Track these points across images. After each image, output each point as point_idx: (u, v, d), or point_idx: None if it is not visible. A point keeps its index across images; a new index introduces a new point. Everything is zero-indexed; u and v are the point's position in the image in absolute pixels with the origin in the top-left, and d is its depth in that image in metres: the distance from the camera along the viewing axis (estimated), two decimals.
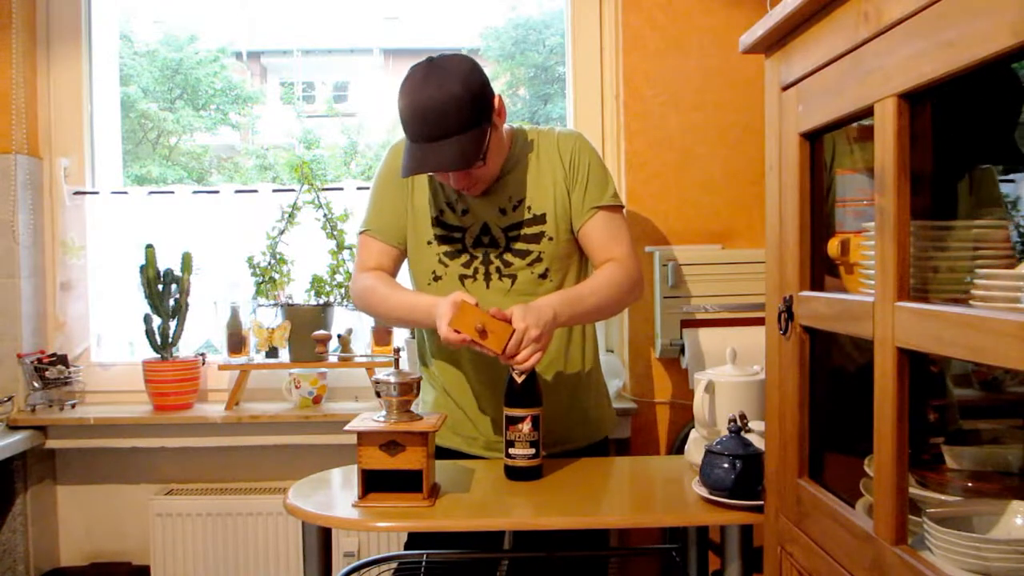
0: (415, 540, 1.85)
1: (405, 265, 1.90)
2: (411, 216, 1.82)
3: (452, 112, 1.60)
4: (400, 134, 1.72)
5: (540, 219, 1.79)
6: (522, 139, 1.83)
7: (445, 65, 1.64)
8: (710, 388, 1.56)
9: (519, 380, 1.61)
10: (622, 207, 1.85)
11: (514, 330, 1.55)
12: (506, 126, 1.80)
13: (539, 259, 1.78)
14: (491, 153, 1.68)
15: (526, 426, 1.61)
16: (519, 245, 1.78)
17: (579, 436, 1.85)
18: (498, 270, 1.78)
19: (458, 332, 1.55)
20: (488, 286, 1.78)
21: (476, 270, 1.78)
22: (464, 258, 1.78)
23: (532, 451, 1.62)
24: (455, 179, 1.69)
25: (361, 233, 1.87)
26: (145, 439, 2.50)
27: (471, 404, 1.82)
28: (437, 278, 1.80)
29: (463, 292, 1.62)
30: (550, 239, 1.79)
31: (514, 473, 1.63)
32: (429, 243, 1.80)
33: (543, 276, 1.79)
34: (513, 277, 1.78)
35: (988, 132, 1.21)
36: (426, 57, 1.67)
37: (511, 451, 1.62)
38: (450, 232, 1.79)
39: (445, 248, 1.79)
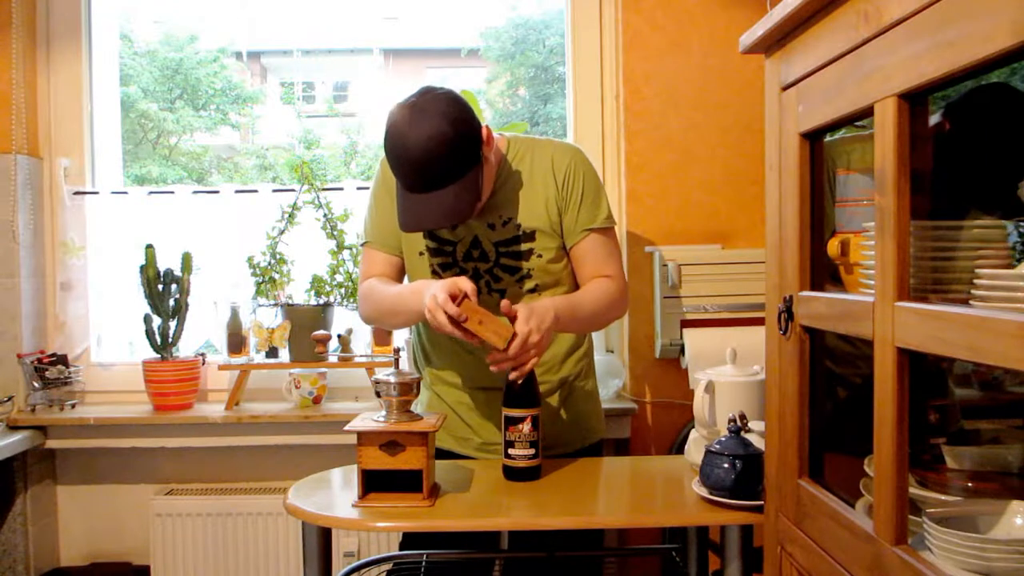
0: (410, 540, 1.85)
1: None
2: None
3: (444, 160, 1.55)
4: None
5: (530, 236, 1.76)
6: (515, 152, 1.79)
7: (427, 108, 1.56)
8: (710, 388, 1.56)
9: (518, 381, 1.61)
10: (614, 226, 1.83)
11: (515, 333, 1.54)
12: (497, 135, 1.78)
13: (528, 275, 1.77)
14: (484, 186, 1.66)
15: (526, 426, 1.60)
16: (508, 261, 1.77)
17: (571, 440, 1.84)
18: (488, 284, 1.77)
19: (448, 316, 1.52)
20: (478, 300, 1.77)
21: None
22: (455, 271, 1.78)
23: (532, 451, 1.62)
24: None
25: (363, 245, 1.87)
26: (145, 439, 2.50)
27: (465, 405, 1.82)
28: None
29: (463, 279, 1.57)
30: (539, 256, 1.77)
31: (513, 473, 1.63)
32: (421, 254, 1.80)
33: (533, 291, 1.78)
34: (503, 292, 1.77)
35: (989, 179, 1.20)
36: (407, 98, 1.60)
37: (511, 451, 1.62)
38: (441, 245, 1.78)
39: (439, 260, 1.78)
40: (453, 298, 1.52)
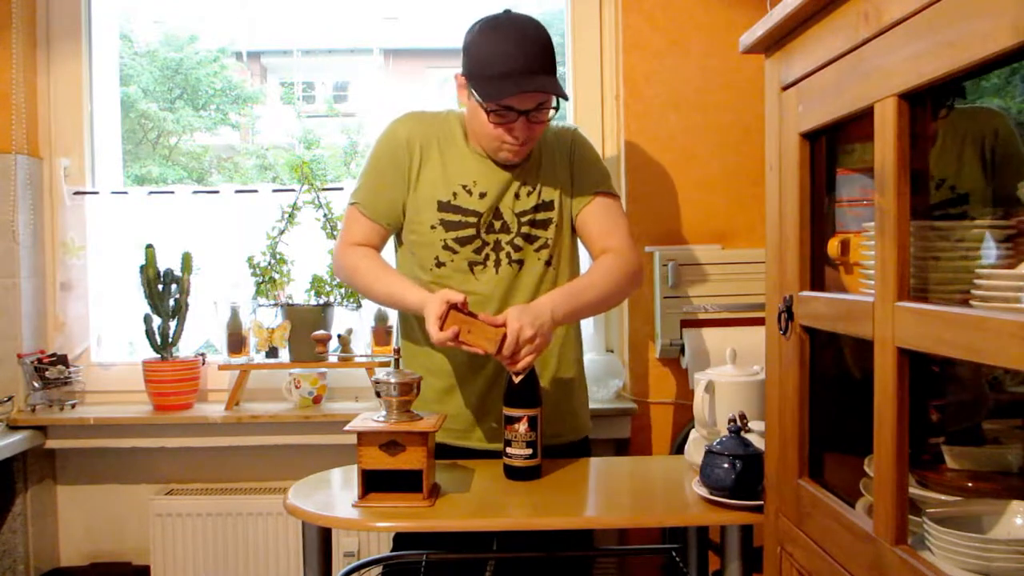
0: (401, 540, 1.85)
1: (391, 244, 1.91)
2: (413, 198, 1.79)
3: (550, 51, 1.68)
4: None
5: (548, 206, 1.80)
6: None
7: (531, 18, 1.71)
8: (710, 388, 1.56)
9: (516, 380, 1.61)
10: (619, 197, 1.88)
11: (506, 333, 1.55)
12: None
13: (546, 245, 1.80)
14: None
15: (522, 426, 1.61)
16: (529, 230, 1.79)
17: (561, 432, 1.84)
18: (508, 255, 1.78)
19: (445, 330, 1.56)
20: (497, 271, 1.77)
21: (487, 256, 1.77)
22: (476, 244, 1.77)
23: (529, 451, 1.62)
24: (522, 129, 1.69)
25: (351, 204, 1.84)
26: (145, 439, 2.50)
27: (445, 387, 1.83)
28: (441, 264, 1.78)
29: (450, 291, 1.61)
30: (556, 227, 1.80)
31: (512, 472, 1.63)
32: (433, 228, 1.77)
33: (548, 263, 1.80)
34: (521, 263, 1.78)
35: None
36: (503, 9, 1.73)
37: (508, 450, 1.63)
38: (463, 216, 1.76)
39: (453, 234, 1.77)
40: (442, 316, 1.57)
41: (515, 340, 1.56)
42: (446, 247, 1.77)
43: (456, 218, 1.76)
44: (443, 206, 1.76)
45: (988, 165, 1.23)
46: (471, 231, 1.76)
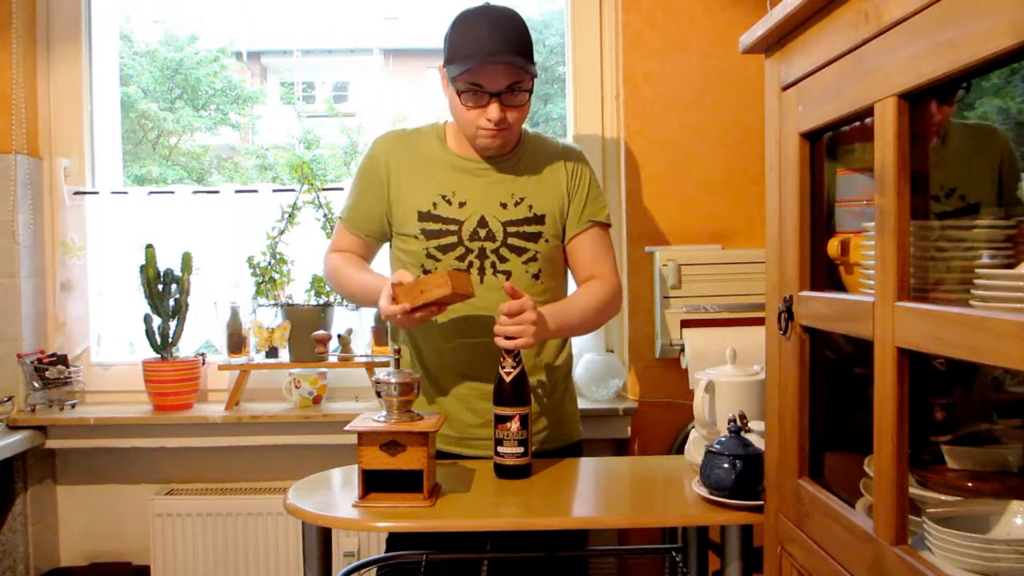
0: (396, 540, 1.85)
1: (384, 251, 1.94)
2: (395, 210, 1.83)
3: (523, 37, 1.70)
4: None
5: (540, 219, 1.80)
6: (528, 139, 1.86)
7: (508, 8, 1.73)
8: (710, 388, 1.56)
9: (507, 379, 1.61)
10: (611, 225, 1.91)
11: (457, 272, 1.61)
12: None
13: (534, 258, 1.79)
14: (527, 107, 1.74)
15: (514, 425, 1.61)
16: (516, 241, 1.79)
17: (555, 437, 1.86)
18: (493, 265, 1.78)
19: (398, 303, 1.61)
20: (483, 280, 1.78)
21: (471, 264, 1.78)
22: (459, 251, 1.78)
23: (521, 450, 1.63)
24: (496, 111, 1.70)
25: (338, 218, 1.94)
26: (145, 439, 2.50)
27: (452, 395, 1.83)
28: (427, 272, 1.80)
29: (401, 271, 1.66)
30: (546, 241, 1.80)
31: (503, 471, 1.64)
32: (416, 237, 1.80)
33: (536, 277, 1.80)
34: (508, 273, 1.78)
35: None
36: (483, 3, 1.75)
37: (500, 449, 1.63)
38: (444, 224, 1.78)
39: (435, 243, 1.79)
40: (392, 295, 1.61)
41: (519, 307, 1.60)
42: (429, 255, 1.79)
43: (436, 227, 1.79)
44: (423, 216, 1.79)
45: (998, 178, 1.24)
46: (452, 239, 1.78)
